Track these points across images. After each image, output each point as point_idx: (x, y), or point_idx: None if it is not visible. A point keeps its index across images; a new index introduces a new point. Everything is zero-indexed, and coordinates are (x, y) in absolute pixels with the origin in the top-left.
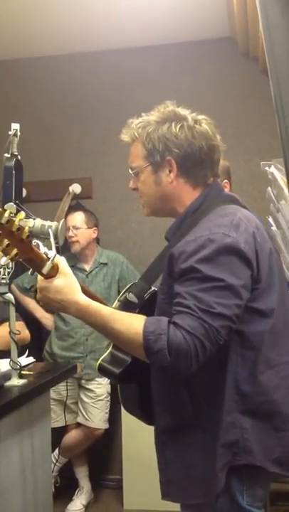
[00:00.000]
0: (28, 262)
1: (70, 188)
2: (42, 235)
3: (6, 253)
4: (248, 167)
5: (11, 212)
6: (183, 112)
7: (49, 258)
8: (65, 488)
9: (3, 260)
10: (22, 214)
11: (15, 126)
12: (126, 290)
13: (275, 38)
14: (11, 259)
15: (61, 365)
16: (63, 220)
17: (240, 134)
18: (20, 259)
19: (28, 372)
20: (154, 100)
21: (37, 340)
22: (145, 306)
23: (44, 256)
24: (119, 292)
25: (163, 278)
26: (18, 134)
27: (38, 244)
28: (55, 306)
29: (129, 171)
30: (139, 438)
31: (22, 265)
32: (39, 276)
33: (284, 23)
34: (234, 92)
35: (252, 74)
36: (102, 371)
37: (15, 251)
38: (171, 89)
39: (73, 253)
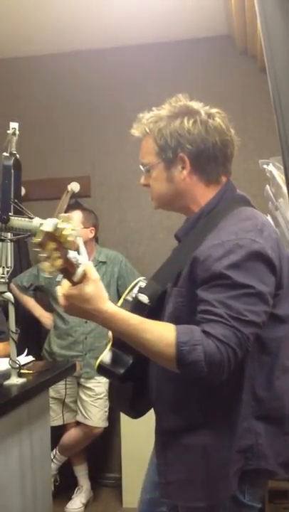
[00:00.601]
0: (62, 270)
1: (69, 187)
2: None
3: (50, 258)
4: (247, 165)
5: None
6: (196, 105)
7: (79, 264)
8: (65, 486)
9: (53, 275)
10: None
11: (13, 125)
12: (131, 289)
13: (273, 35)
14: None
15: (60, 363)
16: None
17: (238, 132)
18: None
19: (27, 371)
20: (152, 98)
21: (36, 339)
22: (154, 307)
23: (75, 262)
24: (117, 291)
25: (183, 280)
26: (17, 132)
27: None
28: (80, 314)
29: (140, 166)
30: (138, 436)
31: (21, 264)
32: (67, 283)
33: (282, 21)
34: (232, 90)
35: (250, 72)
36: (103, 371)
37: (60, 261)
38: (169, 88)
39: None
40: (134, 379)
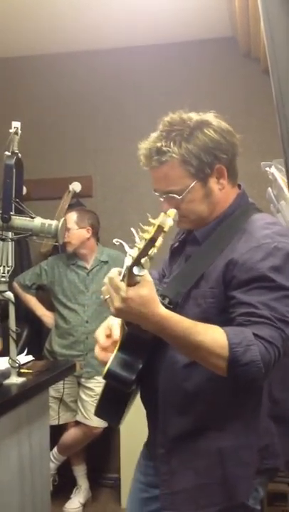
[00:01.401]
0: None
1: (71, 187)
2: (42, 234)
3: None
4: (249, 167)
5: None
6: (195, 116)
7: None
8: (63, 486)
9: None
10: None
11: (16, 124)
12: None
13: (276, 37)
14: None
15: (60, 363)
16: (63, 218)
17: (240, 134)
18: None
19: (27, 371)
20: (155, 99)
21: (37, 338)
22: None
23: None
24: None
25: (215, 282)
26: (19, 132)
27: (122, 244)
28: (133, 318)
29: (162, 194)
30: (137, 437)
31: (22, 264)
32: (123, 284)
33: (286, 23)
34: (235, 92)
35: (253, 74)
36: (112, 377)
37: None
38: (171, 89)
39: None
40: (137, 385)
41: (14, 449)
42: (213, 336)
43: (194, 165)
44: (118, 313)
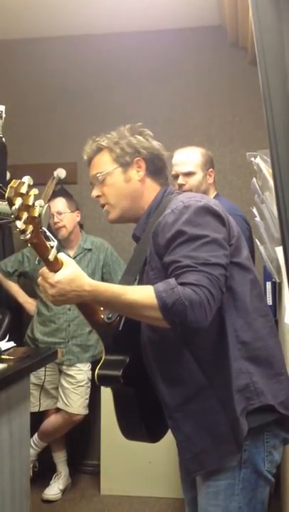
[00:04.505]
0: (35, 246)
1: (55, 173)
2: None
3: (23, 230)
4: (233, 157)
5: (29, 185)
6: (141, 128)
7: (52, 247)
8: (43, 472)
9: (22, 236)
10: (36, 190)
11: (0, 108)
12: None
13: (264, 27)
14: (30, 238)
15: (42, 350)
16: (48, 204)
17: (226, 124)
18: (30, 243)
19: (8, 357)
20: (141, 86)
21: (18, 325)
22: None
23: (48, 244)
24: (103, 278)
25: (150, 256)
26: (4, 116)
27: (44, 231)
28: (70, 297)
29: (94, 181)
30: (117, 424)
31: (4, 250)
32: (49, 273)
33: (275, 13)
34: (221, 81)
35: (240, 64)
36: (102, 380)
37: (31, 227)
38: (158, 76)
39: (58, 239)
40: (136, 382)
41: None
42: (141, 292)
43: (117, 152)
44: (55, 300)
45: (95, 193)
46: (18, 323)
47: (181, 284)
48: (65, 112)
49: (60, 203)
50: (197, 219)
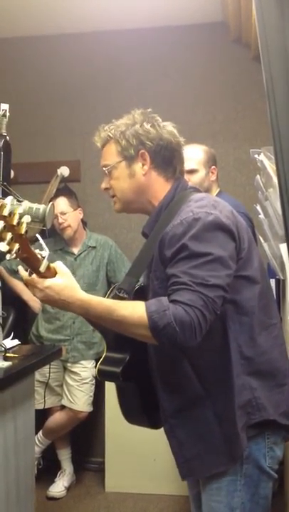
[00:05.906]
0: (25, 260)
1: (58, 171)
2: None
3: (9, 250)
4: (237, 154)
5: (12, 205)
6: (152, 114)
7: (44, 257)
8: (48, 470)
9: (8, 256)
10: (20, 208)
11: (4, 106)
12: (112, 290)
13: (268, 23)
14: (17, 255)
15: (46, 348)
16: (51, 203)
17: (229, 121)
18: (20, 258)
19: (12, 355)
20: (144, 83)
21: (22, 323)
22: (135, 299)
23: (39, 255)
24: (107, 276)
25: (155, 264)
26: (8, 114)
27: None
28: (58, 305)
29: (104, 170)
30: (122, 422)
31: None
32: (38, 279)
33: (278, 9)
34: (224, 77)
35: (243, 60)
36: (103, 375)
37: (17, 245)
38: (161, 73)
39: (61, 237)
40: (137, 378)
41: None
42: (133, 310)
43: (122, 144)
44: (41, 301)
45: (103, 185)
46: (22, 321)
47: (175, 301)
48: (69, 110)
49: (62, 203)
50: (205, 234)
